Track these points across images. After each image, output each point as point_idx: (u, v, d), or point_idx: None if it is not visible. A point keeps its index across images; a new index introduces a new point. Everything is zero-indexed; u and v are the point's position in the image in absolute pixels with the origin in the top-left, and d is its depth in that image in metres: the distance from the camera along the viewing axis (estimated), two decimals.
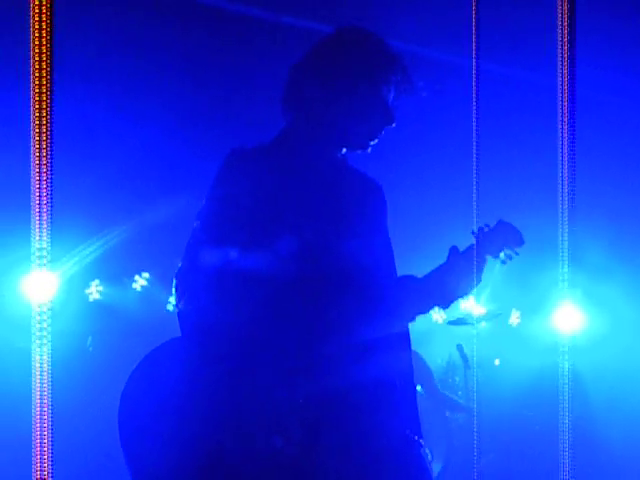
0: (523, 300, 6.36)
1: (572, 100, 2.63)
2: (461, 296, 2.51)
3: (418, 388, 5.38)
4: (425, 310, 2.50)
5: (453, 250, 2.50)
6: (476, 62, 2.70)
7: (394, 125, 2.42)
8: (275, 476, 2.22)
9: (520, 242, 2.57)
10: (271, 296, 2.28)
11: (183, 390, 2.26)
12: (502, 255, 2.55)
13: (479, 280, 2.49)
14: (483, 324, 6.13)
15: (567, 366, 3.06)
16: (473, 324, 5.23)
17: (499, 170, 5.58)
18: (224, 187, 2.35)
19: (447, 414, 5.61)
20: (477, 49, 2.70)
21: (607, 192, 5.64)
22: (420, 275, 2.51)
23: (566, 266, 2.74)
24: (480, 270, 2.48)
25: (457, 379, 6.34)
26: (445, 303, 2.50)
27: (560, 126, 2.74)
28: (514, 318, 6.60)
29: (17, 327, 4.65)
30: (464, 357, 5.58)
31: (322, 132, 2.37)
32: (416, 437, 2.37)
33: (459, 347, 5.61)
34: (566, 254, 2.79)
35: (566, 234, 2.80)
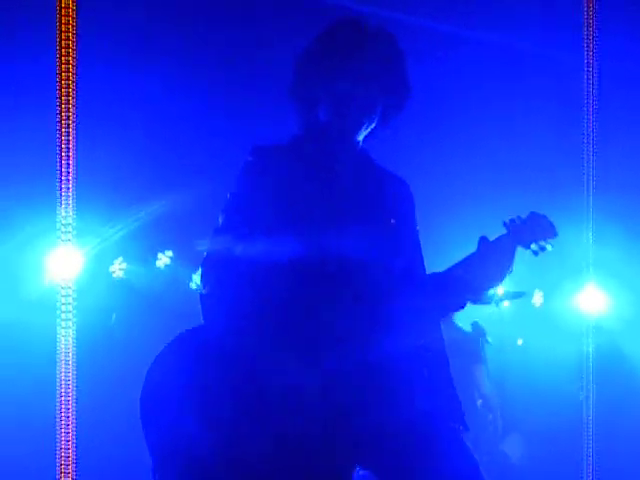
0: (546, 280, 6.34)
1: (598, 77, 2.60)
2: (491, 287, 2.48)
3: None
4: (456, 303, 2.47)
5: (483, 240, 2.47)
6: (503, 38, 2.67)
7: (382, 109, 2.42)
8: (302, 459, 2.22)
9: (553, 234, 2.55)
10: (299, 284, 2.29)
11: (204, 376, 2.27)
12: (534, 247, 2.53)
13: (510, 270, 2.48)
14: (506, 303, 6.12)
15: (591, 347, 3.05)
16: (497, 303, 5.22)
17: (523, 148, 5.55)
18: (248, 181, 2.37)
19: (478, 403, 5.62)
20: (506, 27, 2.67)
21: (632, 169, 5.59)
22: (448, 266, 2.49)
23: (591, 247, 2.72)
24: (510, 261, 2.47)
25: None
26: (475, 294, 2.47)
27: (585, 106, 2.72)
28: (537, 298, 6.58)
29: (41, 305, 4.69)
30: (481, 331, 5.58)
31: (329, 123, 2.38)
32: (459, 426, 2.36)
33: (474, 324, 5.61)
34: (591, 235, 2.77)
35: (591, 215, 2.78)
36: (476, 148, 5.55)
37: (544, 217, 2.54)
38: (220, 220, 2.37)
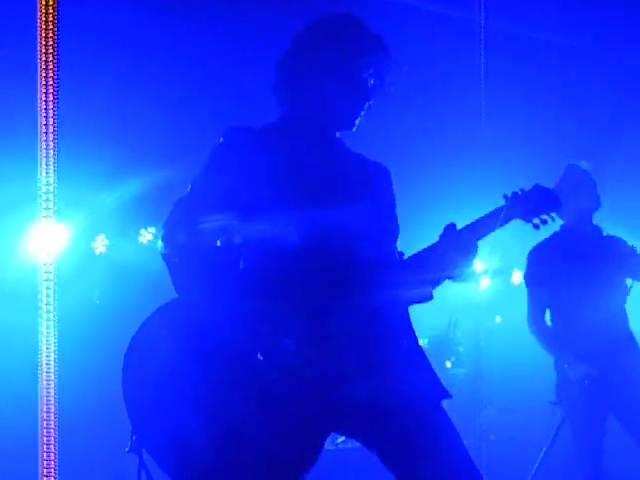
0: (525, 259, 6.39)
1: None
2: (452, 270, 2.45)
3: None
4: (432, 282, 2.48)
5: (449, 227, 2.44)
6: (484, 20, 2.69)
7: (372, 102, 2.45)
8: (279, 425, 2.25)
9: (557, 206, 2.51)
10: (278, 262, 2.33)
11: (179, 346, 2.33)
12: (536, 220, 2.50)
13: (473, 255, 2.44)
14: (486, 281, 6.17)
15: None
16: (477, 280, 5.26)
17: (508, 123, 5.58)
18: (221, 160, 2.40)
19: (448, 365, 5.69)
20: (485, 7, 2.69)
21: None
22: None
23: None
24: (475, 246, 2.43)
25: (458, 334, 6.41)
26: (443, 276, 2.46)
27: None
28: (516, 277, 6.63)
29: (21, 283, 4.68)
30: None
31: (314, 113, 2.43)
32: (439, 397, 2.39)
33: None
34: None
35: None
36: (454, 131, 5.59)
37: (548, 189, 2.50)
38: (188, 190, 2.40)
